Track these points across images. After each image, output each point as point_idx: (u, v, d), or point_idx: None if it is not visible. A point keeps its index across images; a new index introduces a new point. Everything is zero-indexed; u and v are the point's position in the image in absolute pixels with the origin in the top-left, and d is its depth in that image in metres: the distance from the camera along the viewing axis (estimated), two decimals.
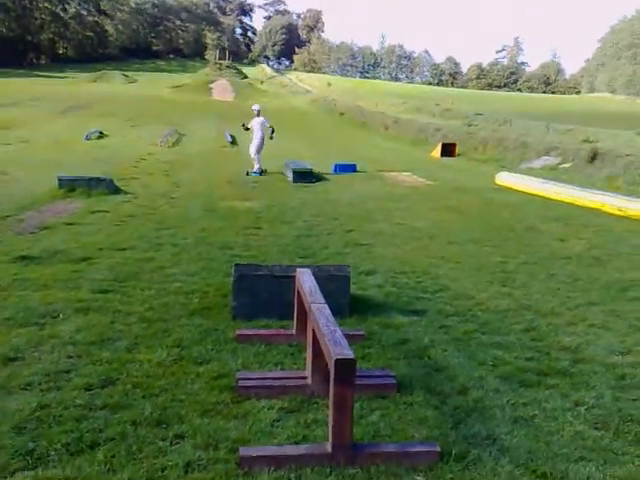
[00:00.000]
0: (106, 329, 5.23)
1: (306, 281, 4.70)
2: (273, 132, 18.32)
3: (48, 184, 14.13)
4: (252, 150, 18.14)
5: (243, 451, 3.28)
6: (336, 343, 3.41)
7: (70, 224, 10.34)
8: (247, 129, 18.42)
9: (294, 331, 5.08)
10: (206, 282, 6.84)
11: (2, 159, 19.97)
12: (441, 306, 6.25)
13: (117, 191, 14.06)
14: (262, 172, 17.82)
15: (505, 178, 17.50)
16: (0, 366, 4.42)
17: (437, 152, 26.13)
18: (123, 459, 3.25)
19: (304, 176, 16.97)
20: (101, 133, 29.61)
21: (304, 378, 4.22)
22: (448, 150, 26.09)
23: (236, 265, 5.80)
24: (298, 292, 4.91)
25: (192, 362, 4.57)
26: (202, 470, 3.18)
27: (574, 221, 11.80)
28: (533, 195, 15.43)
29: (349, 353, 3.30)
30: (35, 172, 17.23)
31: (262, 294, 5.62)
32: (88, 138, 27.51)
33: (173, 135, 30.30)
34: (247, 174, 17.51)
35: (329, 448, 3.28)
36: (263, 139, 18.10)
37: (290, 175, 17.27)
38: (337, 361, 3.23)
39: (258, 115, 18.22)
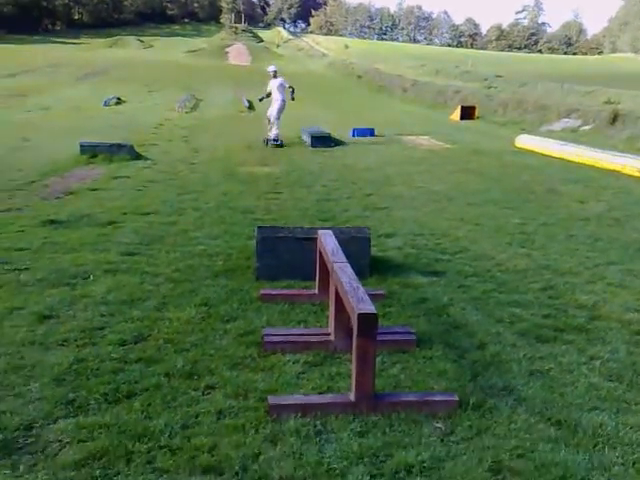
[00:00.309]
0: (135, 289, 5.42)
1: (328, 242, 4.84)
2: (294, 92, 16.87)
3: (70, 150, 14.32)
4: (272, 114, 16.52)
5: (272, 400, 3.46)
6: (359, 299, 3.56)
7: (94, 189, 10.53)
8: (267, 96, 16.91)
9: (316, 291, 5.23)
10: (229, 245, 7.01)
11: (23, 126, 20.20)
12: (460, 267, 6.37)
13: (138, 157, 14.22)
14: (281, 143, 16.33)
15: (525, 141, 17.40)
16: (36, 323, 4.63)
17: (456, 115, 25.94)
18: (159, 407, 3.44)
19: (322, 141, 16.99)
20: (119, 99, 29.74)
21: (327, 334, 4.38)
22: (467, 113, 25.90)
23: (259, 227, 5.95)
24: (320, 253, 5.04)
25: (219, 320, 4.75)
26: (233, 417, 3.36)
27: (594, 183, 11.78)
28: (553, 158, 15.37)
29: (371, 308, 3.45)
30: (56, 138, 17.44)
31: (284, 256, 5.76)
32: (106, 104, 27.66)
33: (190, 100, 30.34)
34: (266, 144, 16.28)
35: (352, 397, 3.45)
36: (284, 102, 16.53)
37: (308, 140, 17.30)
38: (360, 315, 3.38)
39: (275, 77, 16.69)
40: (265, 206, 9.31)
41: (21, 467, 2.90)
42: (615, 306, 5.27)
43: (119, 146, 14.20)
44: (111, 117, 23.83)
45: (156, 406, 3.46)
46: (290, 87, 16.63)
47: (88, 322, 4.67)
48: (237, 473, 2.88)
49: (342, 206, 9.27)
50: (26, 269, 5.98)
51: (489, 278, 6.01)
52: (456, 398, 3.53)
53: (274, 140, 16.19)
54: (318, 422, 3.33)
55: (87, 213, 8.55)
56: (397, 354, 4.16)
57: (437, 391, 3.66)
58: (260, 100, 17.33)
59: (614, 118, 20.43)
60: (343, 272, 4.06)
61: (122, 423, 3.27)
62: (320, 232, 5.18)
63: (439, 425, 3.32)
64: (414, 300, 5.29)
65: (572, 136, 20.15)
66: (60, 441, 3.11)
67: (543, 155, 15.74)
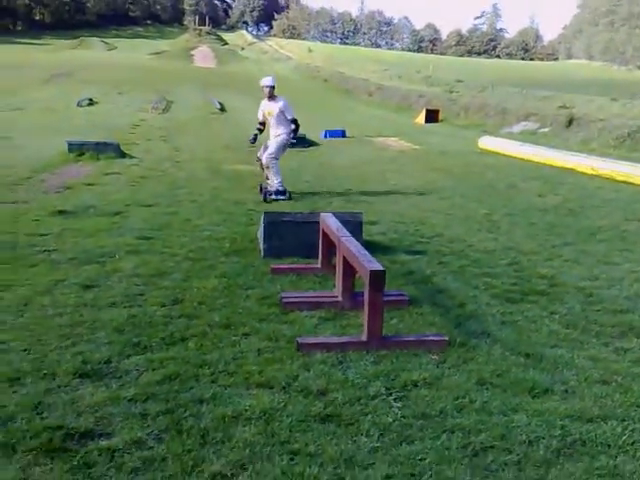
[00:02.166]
0: (159, 265, 6.21)
1: (332, 222, 5.70)
2: (297, 130, 10.38)
3: (56, 148, 14.89)
4: (270, 154, 10.19)
5: (300, 340, 4.31)
6: (369, 260, 4.44)
7: (90, 184, 11.20)
8: (260, 131, 10.66)
9: (320, 265, 6.09)
10: (232, 230, 7.81)
11: (1, 125, 20.57)
12: (438, 247, 7.30)
13: (123, 155, 14.89)
14: (289, 194, 10.17)
15: (487, 142, 18.54)
16: (82, 291, 5.39)
17: (421, 118, 27.08)
18: (209, 347, 4.26)
19: (298, 141, 17.82)
20: (91, 100, 30.14)
21: (335, 296, 5.24)
22: (432, 116, 27.06)
23: (265, 213, 6.78)
24: (323, 232, 5.90)
25: (240, 288, 5.57)
26: (271, 352, 4.20)
27: (551, 180, 12.91)
28: (513, 158, 16.51)
29: (380, 266, 4.33)
30: (38, 137, 17.91)
31: (288, 237, 6.60)
32: (80, 105, 28.04)
33: (162, 102, 30.87)
34: (265, 198, 9.98)
35: (365, 338, 4.32)
36: (288, 138, 10.28)
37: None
38: (372, 272, 4.25)
39: (271, 96, 10.21)
40: (255, 199, 10.12)
41: (113, 386, 3.69)
42: (571, 277, 6.25)
43: (105, 144, 14.85)
44: (87, 118, 24.30)
45: (207, 346, 4.27)
46: (293, 121, 10.16)
47: (127, 290, 5.45)
48: (284, 387, 3.72)
49: (326, 199, 10.14)
50: (55, 250, 6.70)
51: (463, 256, 6.95)
52: (446, 338, 4.43)
53: (278, 193, 10.08)
54: (339, 356, 4.19)
55: (92, 205, 9.24)
56: (394, 311, 5.03)
57: (430, 333, 4.56)
58: (252, 141, 10.66)
59: (569, 121, 21.77)
60: (350, 242, 4.94)
61: (183, 357, 4.08)
62: (322, 215, 6.05)
63: (434, 357, 4.21)
64: (402, 272, 6.19)
65: (531, 138, 21.41)
66: (137, 370, 3.91)
67: (504, 155, 16.88)
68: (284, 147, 10.37)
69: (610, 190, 11.70)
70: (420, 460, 3.03)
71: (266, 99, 10.30)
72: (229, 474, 2.88)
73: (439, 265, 6.55)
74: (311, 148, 17.76)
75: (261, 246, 6.74)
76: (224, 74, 57.13)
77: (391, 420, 3.39)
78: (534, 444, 3.21)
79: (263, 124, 10.60)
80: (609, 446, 3.21)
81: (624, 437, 3.29)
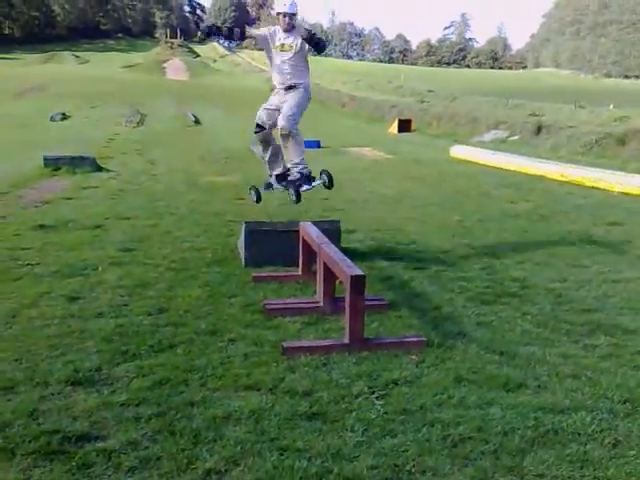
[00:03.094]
0: (143, 276, 6.32)
1: (311, 230, 5.89)
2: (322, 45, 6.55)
3: (31, 163, 14.90)
4: (288, 117, 6.45)
5: (285, 344, 4.47)
6: (349, 266, 4.62)
7: (68, 198, 11.25)
8: (228, 31, 6.71)
9: (300, 272, 6.26)
10: (212, 241, 7.95)
11: None
12: (414, 254, 7.51)
13: (100, 169, 14.92)
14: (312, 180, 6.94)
15: (459, 151, 18.90)
16: (68, 303, 5.48)
17: (394, 128, 27.45)
18: (197, 353, 4.40)
19: None
20: (64, 114, 30.06)
21: (317, 302, 5.41)
22: (404, 126, 27.44)
23: (246, 222, 6.94)
24: (303, 240, 6.08)
25: (223, 296, 5.72)
26: (257, 356, 4.36)
27: (522, 186, 13.24)
28: (485, 166, 16.87)
29: (360, 271, 4.52)
30: (12, 152, 17.89)
31: (268, 246, 6.76)
32: (53, 119, 27.96)
33: (136, 115, 30.89)
34: (297, 197, 6.84)
35: (347, 340, 4.49)
36: (309, 91, 6.82)
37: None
38: (352, 277, 4.43)
39: (290, 26, 6.47)
40: (234, 210, 10.27)
41: (105, 392, 3.82)
42: (541, 279, 6.50)
43: (81, 159, 14.86)
44: (60, 132, 24.27)
45: (195, 352, 4.42)
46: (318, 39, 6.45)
47: (112, 300, 5.56)
48: (271, 389, 3.88)
49: (304, 208, 10.27)
50: (38, 264, 6.77)
51: (439, 261, 7.17)
52: (424, 339, 4.62)
53: (308, 178, 6.86)
54: (322, 358, 4.35)
55: (71, 219, 9.30)
56: (374, 315, 5.21)
57: (409, 335, 4.75)
58: (205, 30, 7.01)
59: (538, 129, 22.26)
60: (330, 248, 5.12)
61: (172, 363, 4.22)
62: (302, 224, 6.23)
63: (413, 357, 4.39)
64: (381, 278, 6.38)
65: (501, 146, 21.86)
66: (128, 376, 4.03)
67: (476, 163, 17.23)
68: (306, 106, 6.66)
69: (579, 196, 12.05)
70: (403, 452, 3.21)
71: (280, 30, 6.44)
72: (222, 470, 3.03)
73: (416, 270, 6.75)
74: None
75: (242, 255, 6.89)
76: (197, 87, 57.21)
77: (374, 416, 3.57)
78: (509, 434, 3.40)
79: (247, 38, 6.97)
80: (579, 434, 3.42)
81: (593, 426, 3.50)
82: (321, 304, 5.34)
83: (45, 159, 14.51)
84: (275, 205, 10.69)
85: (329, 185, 6.74)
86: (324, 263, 5.18)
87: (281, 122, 6.38)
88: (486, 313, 5.39)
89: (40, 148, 17.19)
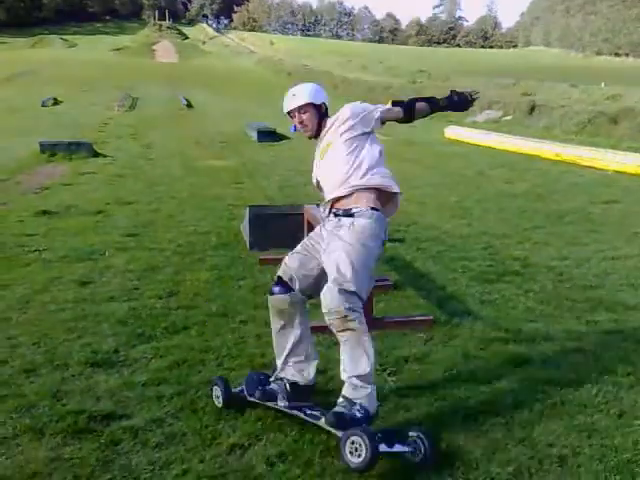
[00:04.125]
0: (151, 260, 6.42)
1: (316, 212, 5.96)
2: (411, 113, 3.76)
3: (27, 149, 14.88)
4: (339, 289, 3.09)
5: None
6: None
7: (67, 184, 11.29)
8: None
9: None
10: (215, 225, 8.04)
11: None
12: (415, 235, 7.63)
13: (96, 154, 14.93)
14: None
15: (454, 131, 18.98)
16: (80, 287, 5.58)
17: None
18: (211, 334, 4.51)
19: (269, 136, 18.08)
20: (55, 99, 29.85)
21: None
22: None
23: (250, 206, 7.03)
24: (308, 222, 6.17)
25: (232, 279, 5.82)
26: (269, 337, 4.43)
27: (517, 166, 13.37)
28: (480, 146, 16.96)
29: None
30: (6, 139, 17.80)
31: (273, 229, 6.85)
32: (44, 105, 27.79)
33: (128, 99, 30.74)
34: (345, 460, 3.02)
35: None
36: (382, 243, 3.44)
37: (254, 135, 18.34)
38: None
39: (319, 125, 3.61)
40: (234, 194, 10.34)
41: (125, 373, 3.92)
42: (542, 257, 6.63)
43: (78, 144, 14.87)
44: (53, 117, 24.14)
45: (208, 334, 4.53)
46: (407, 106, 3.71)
47: (123, 285, 5.66)
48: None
49: (303, 192, 10.38)
50: (45, 250, 6.85)
51: (440, 242, 7.29)
52: (432, 317, 4.75)
53: (365, 418, 3.10)
54: (333, 337, 4.46)
55: (73, 204, 9.36)
56: (380, 295, 5.32)
57: (417, 314, 4.87)
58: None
59: (532, 109, 22.35)
60: None
61: (187, 344, 4.33)
62: (306, 207, 6.31)
63: (421, 335, 4.52)
64: (384, 259, 6.48)
65: (494, 126, 21.94)
66: (146, 357, 4.14)
67: (471, 144, 17.33)
68: (376, 254, 3.39)
69: (575, 175, 12.18)
70: (417, 425, 3.33)
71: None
72: (246, 444, 3.14)
73: (418, 251, 6.87)
74: (282, 142, 17.96)
75: (247, 238, 6.99)
76: (187, 69, 56.87)
77: (387, 392, 3.69)
78: (519, 407, 3.53)
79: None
80: (585, 406, 3.55)
81: (598, 398, 3.64)
82: None
83: (41, 145, 14.52)
84: (275, 188, 10.78)
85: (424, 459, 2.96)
86: None
87: (328, 299, 3.13)
88: (490, 292, 5.52)
89: (34, 134, 17.13)
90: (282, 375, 3.49)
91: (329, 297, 3.12)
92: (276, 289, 3.60)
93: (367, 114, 3.54)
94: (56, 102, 29.32)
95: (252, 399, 3.43)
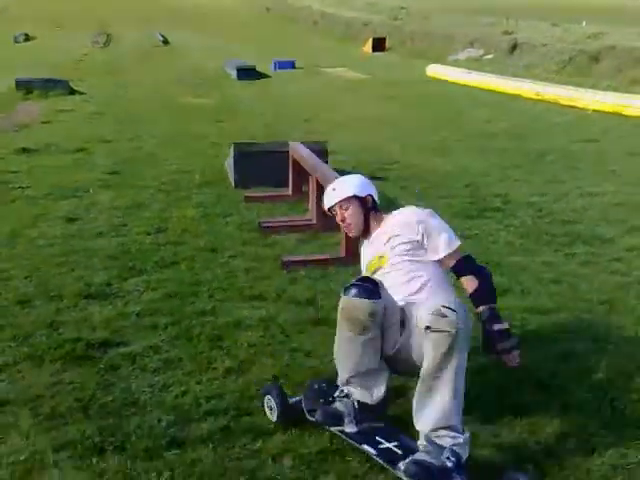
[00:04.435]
0: (136, 197, 6.45)
1: (302, 150, 6.02)
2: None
3: (1, 86, 14.55)
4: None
5: (285, 258, 4.70)
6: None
7: (45, 122, 11.16)
8: None
9: (290, 192, 6.43)
10: (198, 163, 8.03)
11: None
12: (398, 173, 7.71)
13: (72, 92, 14.66)
14: None
15: (435, 70, 18.82)
16: (67, 224, 5.63)
17: (368, 47, 27.03)
18: (200, 268, 4.61)
19: (248, 73, 17.81)
20: (27, 35, 28.97)
21: (309, 220, 5.61)
22: (378, 45, 27.02)
23: (235, 143, 7.02)
24: (294, 160, 6.22)
25: (218, 216, 5.89)
26: (258, 271, 4.58)
27: (498, 106, 13.38)
28: (461, 85, 16.88)
29: None
30: None
31: (257, 167, 6.87)
32: (17, 41, 26.99)
33: (102, 36, 29.94)
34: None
35: (343, 254, 4.73)
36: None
37: (234, 73, 18.05)
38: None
39: (366, 223, 3.32)
40: (215, 132, 10.29)
41: (119, 304, 4.03)
42: (522, 194, 6.77)
43: (54, 82, 14.57)
44: (26, 54, 23.47)
45: (198, 268, 4.63)
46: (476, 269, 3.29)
47: (110, 221, 5.71)
48: (274, 299, 4.13)
49: (286, 130, 10.36)
50: (28, 187, 6.85)
51: (422, 180, 7.38)
52: None
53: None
54: (320, 270, 4.60)
55: (53, 142, 9.27)
56: None
57: None
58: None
59: (513, 47, 22.18)
60: (322, 166, 5.29)
61: (178, 277, 4.44)
62: (291, 144, 6.35)
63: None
64: None
65: (476, 65, 21.73)
66: (138, 290, 4.24)
67: (452, 83, 17.23)
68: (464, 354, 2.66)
69: (555, 114, 12.23)
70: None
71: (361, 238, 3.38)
72: (241, 369, 3.28)
73: (401, 189, 6.96)
74: (262, 80, 17.74)
75: (231, 176, 7.02)
76: (163, 5, 55.20)
77: None
78: None
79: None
80: (563, 332, 3.74)
81: (575, 325, 3.82)
82: (314, 222, 5.54)
83: (17, 82, 14.21)
84: (257, 126, 10.73)
85: None
86: (317, 181, 5.35)
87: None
88: (471, 227, 5.65)
89: (7, 71, 16.70)
90: (347, 390, 2.80)
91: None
92: (354, 290, 2.73)
93: (437, 234, 3.21)
94: (28, 38, 28.46)
95: (311, 418, 2.78)
